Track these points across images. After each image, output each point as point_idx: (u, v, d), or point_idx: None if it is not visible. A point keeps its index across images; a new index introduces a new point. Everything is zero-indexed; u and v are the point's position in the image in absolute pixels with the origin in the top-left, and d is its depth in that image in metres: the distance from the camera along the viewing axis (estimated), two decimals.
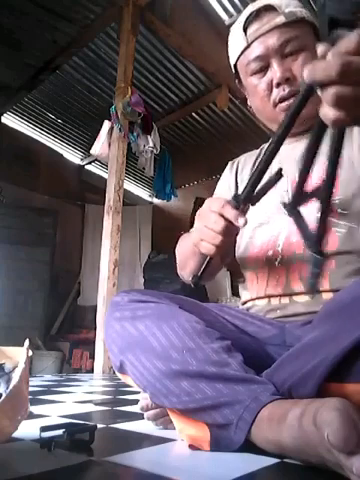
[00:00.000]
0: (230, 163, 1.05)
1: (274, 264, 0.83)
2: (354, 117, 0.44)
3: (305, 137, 0.86)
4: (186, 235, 0.96)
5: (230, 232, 0.66)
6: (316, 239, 0.56)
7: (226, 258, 0.92)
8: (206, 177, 5.43)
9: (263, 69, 0.84)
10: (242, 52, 0.86)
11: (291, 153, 0.86)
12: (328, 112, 0.45)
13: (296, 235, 0.80)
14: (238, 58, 0.88)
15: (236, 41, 0.88)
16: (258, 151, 1.00)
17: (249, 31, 0.84)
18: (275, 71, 0.82)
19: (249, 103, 0.94)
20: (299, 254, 0.79)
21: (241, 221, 0.63)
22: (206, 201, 0.71)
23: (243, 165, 1.00)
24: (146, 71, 3.91)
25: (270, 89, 0.84)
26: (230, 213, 0.64)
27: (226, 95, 4.01)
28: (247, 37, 0.84)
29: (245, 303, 0.91)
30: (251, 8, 0.85)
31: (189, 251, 0.87)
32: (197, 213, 0.72)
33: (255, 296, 0.86)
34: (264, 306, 0.84)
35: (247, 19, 0.85)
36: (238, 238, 0.94)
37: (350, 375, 0.54)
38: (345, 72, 0.41)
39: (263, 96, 0.85)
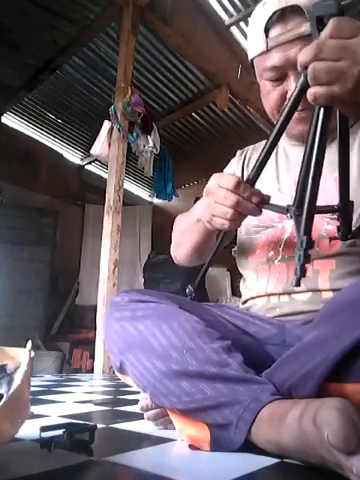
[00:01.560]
0: (239, 152, 1.03)
1: (275, 263, 0.83)
2: (330, 93, 0.50)
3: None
4: (183, 215, 0.96)
5: (242, 207, 0.68)
6: (304, 232, 0.58)
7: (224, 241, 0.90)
8: (206, 177, 5.35)
9: (279, 79, 0.79)
10: (260, 54, 0.80)
11: (300, 156, 0.84)
12: (310, 90, 0.52)
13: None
14: (255, 57, 0.82)
15: (255, 38, 0.80)
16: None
17: (270, 34, 0.76)
18: (291, 86, 0.76)
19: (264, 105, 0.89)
20: None
21: (255, 199, 0.67)
22: (213, 177, 0.73)
23: (250, 156, 0.99)
24: (146, 71, 3.91)
25: (283, 100, 0.79)
26: (245, 190, 0.67)
27: (226, 95, 4.01)
28: (267, 40, 0.77)
29: (245, 302, 0.91)
30: (277, 3, 0.75)
31: (189, 228, 0.88)
32: (205, 189, 0.74)
33: (255, 295, 0.86)
34: (264, 304, 0.84)
35: (270, 18, 0.76)
36: (239, 238, 0.95)
37: (350, 375, 0.54)
38: (320, 50, 0.50)
39: (275, 105, 0.81)
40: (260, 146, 1.00)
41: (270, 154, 0.69)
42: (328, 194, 0.76)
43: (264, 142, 0.68)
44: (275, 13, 0.75)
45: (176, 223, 0.97)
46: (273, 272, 0.83)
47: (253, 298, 0.87)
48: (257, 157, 0.70)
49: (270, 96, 0.82)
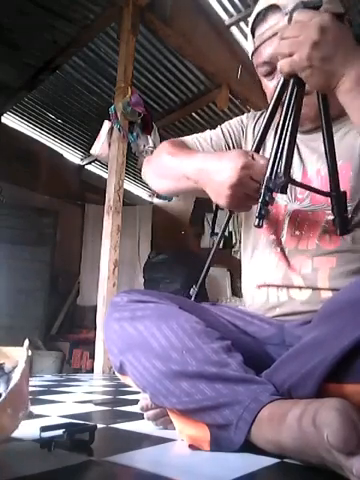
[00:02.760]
0: (253, 112, 1.02)
1: (276, 253, 0.83)
2: (291, 62, 0.62)
3: (317, 132, 0.82)
4: (176, 148, 0.88)
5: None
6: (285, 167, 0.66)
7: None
8: None
9: (271, 72, 0.84)
10: (253, 53, 0.87)
11: (302, 145, 0.87)
12: (278, 64, 0.65)
13: (299, 230, 0.81)
14: (251, 57, 0.89)
15: (249, 40, 0.89)
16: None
17: (256, 33, 0.84)
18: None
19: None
20: (302, 249, 0.80)
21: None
22: (245, 158, 0.68)
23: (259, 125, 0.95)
24: (146, 71, 3.91)
25: None
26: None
27: (226, 95, 4.01)
28: (254, 40, 0.85)
29: (245, 292, 0.91)
30: (260, 6, 0.84)
31: (176, 177, 0.82)
32: (240, 165, 0.67)
33: (254, 283, 0.86)
34: (263, 304, 0.84)
35: (255, 20, 0.85)
36: (244, 231, 0.95)
37: (349, 375, 0.55)
38: (284, 33, 0.64)
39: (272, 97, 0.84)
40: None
41: (264, 138, 0.77)
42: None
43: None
44: (259, 14, 0.84)
45: (165, 152, 0.88)
46: (272, 264, 0.83)
47: (253, 287, 0.87)
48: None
49: (268, 90, 0.87)
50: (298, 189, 0.84)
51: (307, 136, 0.86)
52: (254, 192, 0.67)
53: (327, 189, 0.75)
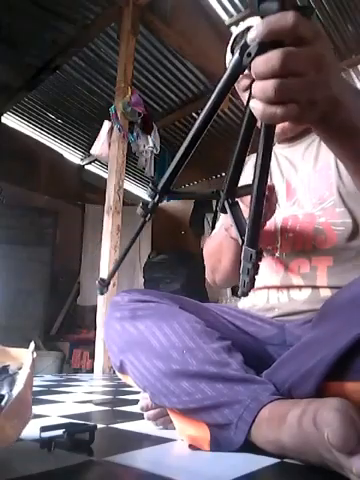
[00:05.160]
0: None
1: (273, 258, 0.85)
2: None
3: (298, 142, 0.91)
4: (210, 238, 0.99)
5: None
6: (251, 234, 0.54)
7: None
8: (206, 177, 5.42)
9: (251, 85, 0.86)
10: None
11: (286, 156, 0.92)
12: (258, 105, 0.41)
13: (293, 234, 0.82)
14: None
15: (228, 59, 0.94)
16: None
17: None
18: None
19: None
20: (298, 251, 0.82)
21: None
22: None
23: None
24: (146, 71, 3.91)
25: None
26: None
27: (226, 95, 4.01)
28: None
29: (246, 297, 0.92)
30: (239, 29, 0.91)
31: (221, 247, 0.88)
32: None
33: (255, 287, 0.87)
34: (263, 305, 0.84)
35: (233, 41, 0.90)
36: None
37: (349, 374, 0.55)
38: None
39: None
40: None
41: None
42: (313, 186, 0.82)
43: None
44: (237, 36, 0.88)
45: (205, 247, 0.98)
46: (270, 266, 0.85)
47: (253, 290, 0.88)
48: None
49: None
50: (284, 200, 0.88)
51: (283, 145, 0.93)
52: None
53: (317, 195, 0.81)
